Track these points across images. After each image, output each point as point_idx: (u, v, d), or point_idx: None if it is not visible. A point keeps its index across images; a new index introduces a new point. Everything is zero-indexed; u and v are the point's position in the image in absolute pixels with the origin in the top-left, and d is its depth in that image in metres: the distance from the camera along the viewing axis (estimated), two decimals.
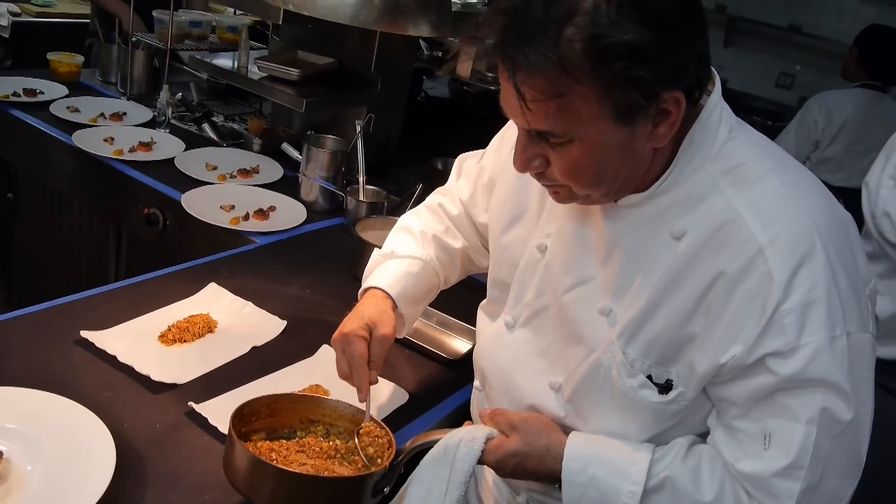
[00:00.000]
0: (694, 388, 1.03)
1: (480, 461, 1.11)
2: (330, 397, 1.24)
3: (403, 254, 1.38)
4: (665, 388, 1.05)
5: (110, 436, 1.18)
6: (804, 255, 0.94)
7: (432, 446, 1.13)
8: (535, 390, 1.18)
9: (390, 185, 2.30)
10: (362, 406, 1.22)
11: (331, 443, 1.20)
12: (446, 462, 1.11)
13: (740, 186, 0.99)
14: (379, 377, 1.46)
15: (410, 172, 2.62)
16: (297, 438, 1.20)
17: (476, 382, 1.34)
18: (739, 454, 1.01)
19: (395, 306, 1.32)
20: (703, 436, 1.09)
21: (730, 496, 1.01)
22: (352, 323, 1.24)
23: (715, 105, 1.01)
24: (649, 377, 1.05)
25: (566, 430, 1.14)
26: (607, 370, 1.08)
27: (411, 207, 2.23)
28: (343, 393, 1.45)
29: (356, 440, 1.18)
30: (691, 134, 1.00)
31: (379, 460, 1.15)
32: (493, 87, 2.55)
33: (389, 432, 1.18)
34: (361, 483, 1.10)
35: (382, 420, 1.40)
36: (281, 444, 1.17)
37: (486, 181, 1.37)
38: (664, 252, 1.02)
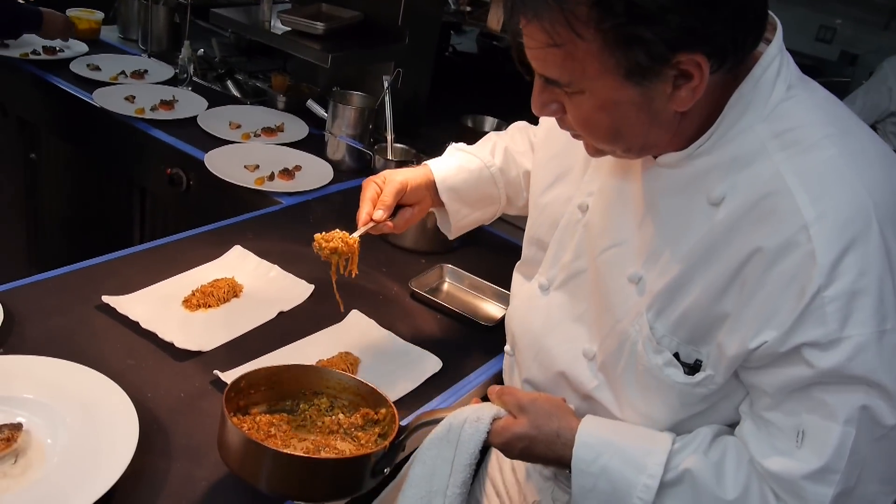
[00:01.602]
0: (723, 371, 0.94)
1: (486, 443, 1.04)
2: (332, 369, 1.18)
3: (468, 150, 1.40)
4: (693, 368, 0.97)
5: (133, 407, 1.14)
6: (855, 237, 0.84)
7: (436, 425, 1.06)
8: (566, 356, 1.12)
9: (419, 144, 2.23)
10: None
11: (333, 417, 1.14)
12: (450, 442, 1.04)
13: (791, 152, 0.88)
14: (411, 344, 1.46)
15: (440, 130, 2.54)
16: (298, 412, 1.15)
17: (507, 347, 1.28)
18: (768, 449, 0.92)
19: (435, 188, 1.34)
20: (733, 426, 1.00)
21: (755, 496, 0.93)
22: (377, 174, 1.31)
23: (773, 57, 0.91)
24: (676, 355, 0.97)
25: (595, 403, 1.08)
26: (633, 344, 1.01)
27: None
28: (375, 359, 1.40)
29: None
30: (741, 89, 0.90)
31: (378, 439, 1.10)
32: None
33: (392, 406, 1.12)
34: (360, 464, 1.03)
35: (416, 389, 1.35)
36: (282, 418, 1.11)
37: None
38: (700, 219, 0.94)
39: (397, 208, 1.30)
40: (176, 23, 2.93)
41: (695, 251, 0.93)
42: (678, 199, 0.96)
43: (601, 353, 1.07)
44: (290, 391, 1.15)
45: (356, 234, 1.25)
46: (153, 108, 2.36)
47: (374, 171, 2.09)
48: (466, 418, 1.04)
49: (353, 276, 1.27)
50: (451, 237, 1.44)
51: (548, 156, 1.22)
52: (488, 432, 1.04)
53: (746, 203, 0.89)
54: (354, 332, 1.47)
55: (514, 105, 2.23)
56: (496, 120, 2.55)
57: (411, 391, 1.35)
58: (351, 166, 2.24)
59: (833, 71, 3.85)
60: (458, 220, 1.40)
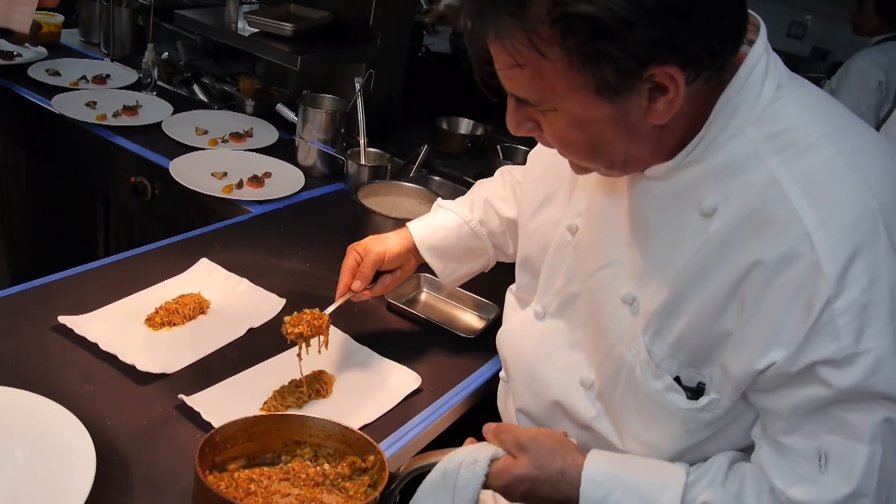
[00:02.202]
0: (729, 394, 0.89)
1: (485, 486, 0.97)
2: (316, 416, 1.09)
3: (447, 206, 1.41)
4: (696, 392, 0.91)
5: (89, 437, 1.05)
6: (861, 242, 0.79)
7: (429, 470, 0.99)
8: (561, 385, 1.06)
9: (393, 147, 2.18)
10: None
11: (318, 468, 1.06)
12: (446, 489, 0.97)
13: (786, 155, 0.83)
14: (387, 359, 1.39)
15: (414, 133, 2.49)
16: (280, 464, 1.06)
17: (502, 373, 1.21)
18: (791, 478, 0.86)
19: (416, 250, 1.37)
20: (747, 450, 0.95)
21: None
22: (357, 243, 1.35)
23: (758, 57, 0.85)
24: (677, 379, 0.92)
25: (593, 433, 1.01)
26: (631, 369, 0.95)
27: (417, 170, 2.14)
28: (350, 377, 1.33)
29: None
30: (727, 93, 0.85)
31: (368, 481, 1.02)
32: None
33: (381, 452, 1.04)
34: None
35: (394, 407, 1.29)
36: (262, 472, 1.03)
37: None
38: (693, 232, 0.88)
39: (378, 274, 1.36)
40: (139, 25, 2.84)
41: (689, 267, 0.88)
42: (668, 213, 0.91)
43: (598, 381, 1.01)
44: (269, 442, 1.06)
45: (331, 309, 1.29)
46: (115, 115, 2.28)
47: (346, 177, 2.05)
48: (462, 461, 0.97)
49: (326, 349, 1.30)
50: (448, 289, 1.53)
51: (533, 178, 1.16)
52: (486, 475, 0.97)
53: (741, 213, 0.84)
54: (330, 349, 1.40)
55: (489, 107, 2.19)
56: (472, 122, 2.50)
57: (389, 411, 1.28)
58: (323, 172, 2.17)
59: (805, 67, 3.84)
60: (448, 276, 1.41)
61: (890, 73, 3.28)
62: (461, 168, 2.30)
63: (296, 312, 1.27)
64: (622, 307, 0.95)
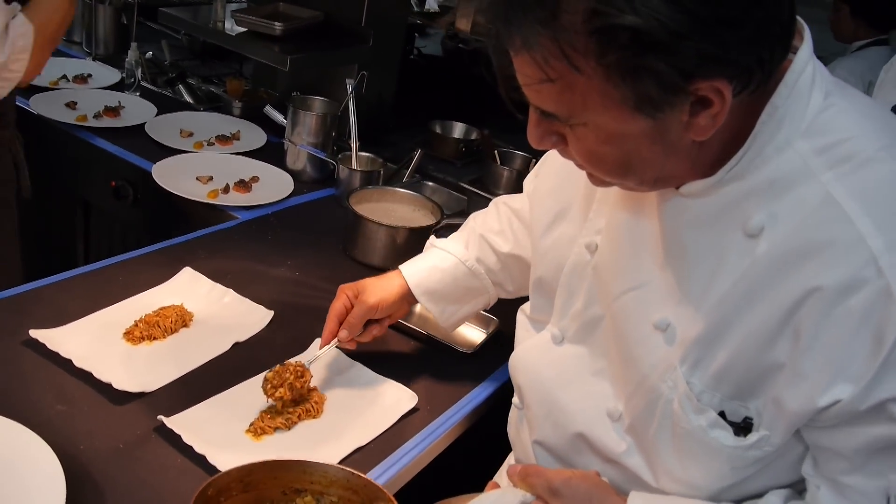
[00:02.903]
0: (782, 432, 0.82)
1: None
2: (318, 461, 0.98)
3: (441, 246, 1.33)
4: (743, 428, 0.84)
5: (59, 464, 0.97)
6: None
7: None
8: (584, 415, 0.98)
9: (386, 152, 2.11)
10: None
11: None
12: None
13: (842, 170, 0.76)
14: (381, 376, 1.32)
15: (407, 137, 2.42)
16: None
17: (515, 399, 1.13)
18: None
19: (410, 294, 1.29)
20: (793, 485, 0.88)
21: None
22: (348, 285, 1.28)
23: (805, 63, 0.78)
24: (722, 414, 0.84)
25: (622, 469, 0.93)
26: (667, 403, 0.87)
27: (410, 175, 2.07)
28: (342, 395, 1.26)
29: None
30: (773, 102, 0.77)
31: None
32: None
33: (392, 500, 0.93)
34: None
35: (389, 428, 1.21)
36: None
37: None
38: (737, 255, 0.81)
39: (368, 322, 1.29)
40: (123, 24, 2.76)
41: (733, 292, 0.81)
42: (708, 233, 0.83)
43: (628, 413, 0.93)
44: (266, 491, 0.96)
45: (315, 357, 1.24)
46: (97, 116, 2.20)
47: (337, 182, 1.98)
48: None
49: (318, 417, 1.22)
50: (449, 332, 1.43)
51: (544, 192, 1.09)
52: None
53: (792, 233, 0.77)
54: (318, 365, 1.32)
55: (483, 110, 2.14)
56: (465, 126, 2.43)
57: (384, 432, 1.21)
58: (313, 177, 2.10)
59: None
60: (447, 319, 1.34)
61: (868, 81, 3.22)
62: (456, 173, 2.24)
63: (278, 366, 1.20)
64: (654, 334, 0.88)
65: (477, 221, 1.34)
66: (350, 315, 1.25)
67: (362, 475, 0.96)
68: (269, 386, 1.18)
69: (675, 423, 0.87)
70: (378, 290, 1.27)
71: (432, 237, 1.37)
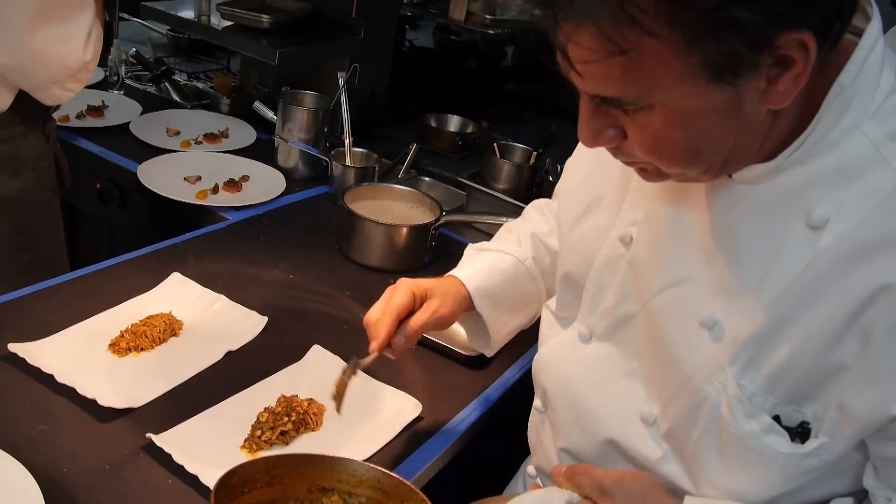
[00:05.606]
0: (846, 440, 0.76)
1: None
2: (347, 457, 0.92)
3: (493, 247, 1.19)
4: (800, 433, 0.78)
5: (40, 492, 0.91)
6: None
7: None
8: (615, 420, 0.92)
9: (380, 147, 2.05)
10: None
11: None
12: None
13: None
14: (381, 383, 1.26)
15: (401, 131, 2.35)
16: None
17: (537, 402, 1.07)
18: None
19: (470, 302, 1.11)
20: (849, 494, 0.82)
21: None
22: (411, 280, 1.08)
23: (875, 39, 0.72)
24: (776, 418, 0.78)
25: (657, 477, 0.87)
26: (714, 407, 0.81)
27: (406, 171, 2.00)
28: (345, 406, 1.19)
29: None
30: (840, 80, 0.71)
31: None
32: (491, 32, 2.26)
33: (427, 501, 0.88)
34: None
35: (394, 438, 1.15)
36: None
37: None
38: (797, 247, 0.75)
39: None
40: (105, 20, 2.68)
41: (793, 288, 0.74)
42: (765, 224, 0.77)
43: (666, 418, 0.87)
44: (292, 487, 0.91)
45: (361, 365, 1.07)
46: (80, 116, 2.14)
47: (331, 179, 1.91)
48: None
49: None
50: (488, 354, 1.23)
51: (574, 183, 1.02)
52: None
53: (861, 225, 0.71)
54: (317, 372, 1.26)
55: (477, 102, 2.08)
56: (461, 118, 2.37)
57: (389, 442, 1.15)
58: (305, 174, 2.04)
59: None
60: (500, 331, 1.18)
61: None
62: (453, 168, 2.17)
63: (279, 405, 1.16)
64: (700, 332, 0.82)
65: (518, 224, 1.24)
66: (413, 320, 1.05)
67: (394, 475, 0.90)
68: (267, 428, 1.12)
69: (722, 428, 0.81)
70: (449, 299, 1.09)
71: (472, 245, 1.24)
